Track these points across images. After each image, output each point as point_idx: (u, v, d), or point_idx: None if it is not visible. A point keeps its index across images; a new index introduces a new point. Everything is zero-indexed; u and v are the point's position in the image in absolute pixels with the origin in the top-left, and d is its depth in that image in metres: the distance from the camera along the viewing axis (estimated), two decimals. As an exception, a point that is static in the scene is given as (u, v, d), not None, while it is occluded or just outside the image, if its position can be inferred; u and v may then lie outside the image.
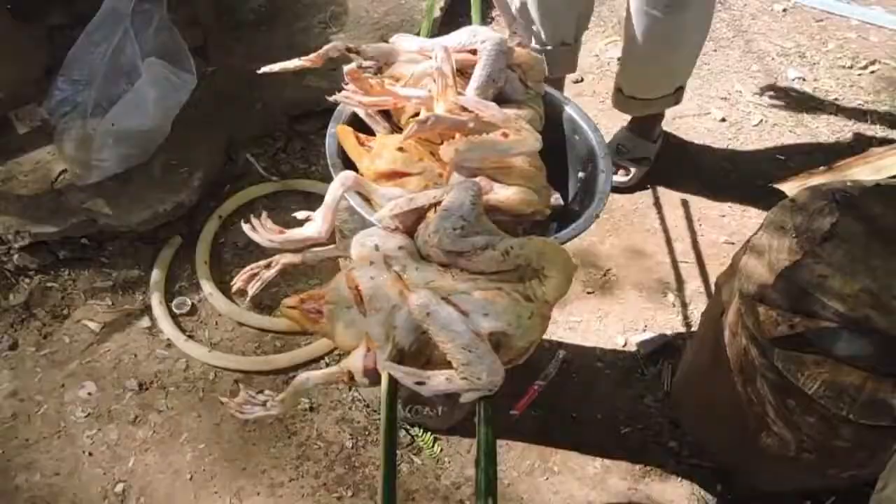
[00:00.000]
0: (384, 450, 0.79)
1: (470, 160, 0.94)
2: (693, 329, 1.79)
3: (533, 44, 1.58)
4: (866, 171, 1.45)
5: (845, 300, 0.97)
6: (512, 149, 0.95)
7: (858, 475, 1.29)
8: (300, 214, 0.98)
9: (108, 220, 1.74)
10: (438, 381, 0.82)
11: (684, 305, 1.86)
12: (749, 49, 2.54)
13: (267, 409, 0.88)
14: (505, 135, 0.95)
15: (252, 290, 0.97)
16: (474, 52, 1.09)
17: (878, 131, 2.26)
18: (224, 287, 1.78)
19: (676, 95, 1.95)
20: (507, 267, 0.85)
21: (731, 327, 1.24)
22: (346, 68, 1.05)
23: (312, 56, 1.10)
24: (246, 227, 0.96)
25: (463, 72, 1.10)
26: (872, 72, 2.46)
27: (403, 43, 1.13)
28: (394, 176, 0.97)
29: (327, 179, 1.98)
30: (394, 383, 0.86)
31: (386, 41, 2.26)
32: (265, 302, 1.77)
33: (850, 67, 2.47)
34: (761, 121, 2.30)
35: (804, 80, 2.43)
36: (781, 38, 2.59)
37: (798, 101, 2.37)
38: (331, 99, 1.07)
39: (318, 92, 2.10)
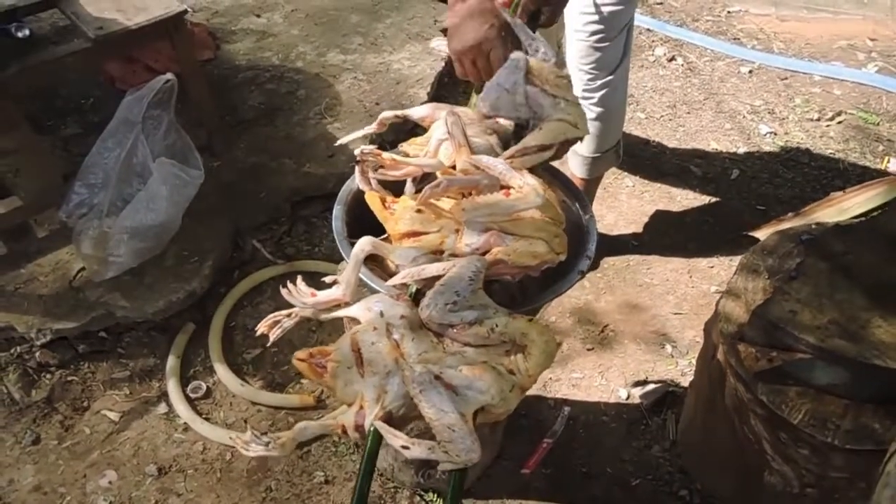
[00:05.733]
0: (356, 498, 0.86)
1: (478, 218, 1.04)
2: (692, 377, 1.84)
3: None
4: (831, 213, 1.55)
5: (815, 332, 1.04)
6: (515, 206, 1.04)
7: (863, 507, 1.32)
8: (328, 279, 1.07)
9: (125, 313, 1.83)
10: (421, 449, 0.89)
11: (682, 355, 1.92)
12: (720, 109, 2.69)
13: (268, 449, 0.94)
14: (508, 193, 1.04)
15: (273, 336, 1.05)
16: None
17: (852, 177, 2.38)
18: (237, 369, 1.84)
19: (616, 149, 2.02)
20: (492, 342, 0.93)
21: (721, 369, 1.30)
22: (356, 152, 1.17)
23: (374, 124, 1.26)
24: (284, 291, 1.05)
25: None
26: (840, 122, 2.60)
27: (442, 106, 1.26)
28: (414, 235, 1.07)
29: (331, 259, 2.10)
30: (377, 441, 0.93)
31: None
32: (277, 381, 1.83)
33: (818, 120, 2.62)
34: (739, 175, 2.42)
35: (775, 134, 2.57)
36: (750, 97, 2.75)
37: (772, 155, 2.50)
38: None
39: (318, 179, 2.24)
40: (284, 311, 1.09)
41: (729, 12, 3.18)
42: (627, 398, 1.82)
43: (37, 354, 1.78)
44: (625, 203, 2.36)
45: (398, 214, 1.11)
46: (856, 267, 1.11)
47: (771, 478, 1.33)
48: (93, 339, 1.84)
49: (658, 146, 2.55)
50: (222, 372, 1.82)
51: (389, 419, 0.92)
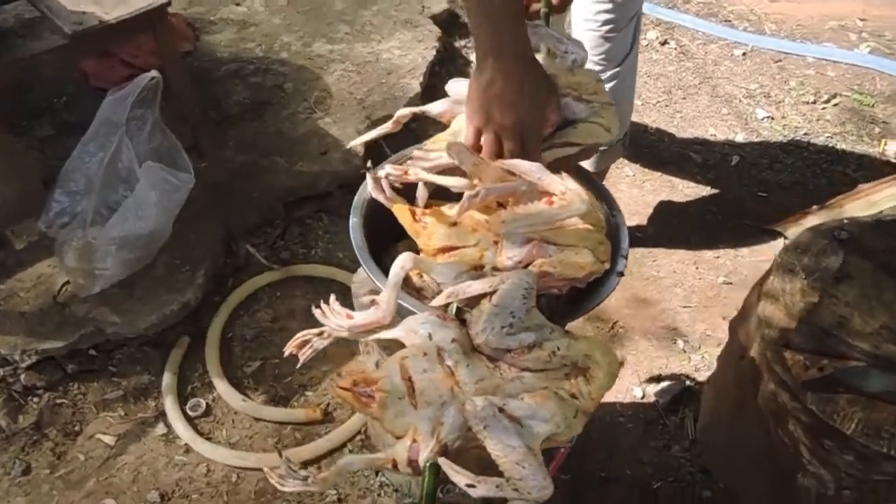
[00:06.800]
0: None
1: (518, 230, 0.97)
2: (707, 372, 1.80)
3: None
4: (859, 206, 1.51)
5: (868, 338, 1.00)
6: (559, 215, 0.97)
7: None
8: (366, 299, 0.99)
9: (115, 329, 1.72)
10: (488, 487, 0.82)
11: (694, 350, 1.89)
12: (716, 94, 2.65)
13: (307, 483, 0.87)
14: (550, 201, 0.97)
15: (304, 357, 0.98)
16: None
17: (851, 161, 2.36)
18: (237, 383, 1.76)
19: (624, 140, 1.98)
20: (553, 366, 0.87)
21: (755, 372, 1.26)
22: (370, 176, 1.09)
23: (389, 124, 1.16)
24: (317, 313, 0.97)
25: None
26: (835, 105, 2.58)
27: (462, 91, 1.15)
28: (450, 249, 1.00)
29: (329, 262, 2.02)
30: (435, 479, 0.86)
31: (372, 120, 2.33)
32: (280, 394, 1.75)
33: (814, 102, 2.59)
34: (739, 161, 2.39)
35: (772, 118, 2.54)
36: (745, 80, 2.71)
37: (770, 140, 2.47)
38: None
39: (311, 177, 2.14)
40: (315, 330, 1.01)
41: (719, -7, 3.13)
42: (643, 397, 1.78)
43: (22, 377, 1.67)
44: (626, 193, 2.31)
45: (431, 228, 1.04)
46: (900, 266, 1.07)
47: (805, 480, 1.30)
48: (82, 357, 1.74)
49: (656, 133, 2.50)
50: (222, 387, 1.73)
51: (445, 452, 0.85)
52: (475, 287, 0.96)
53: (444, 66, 2.71)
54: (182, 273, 1.85)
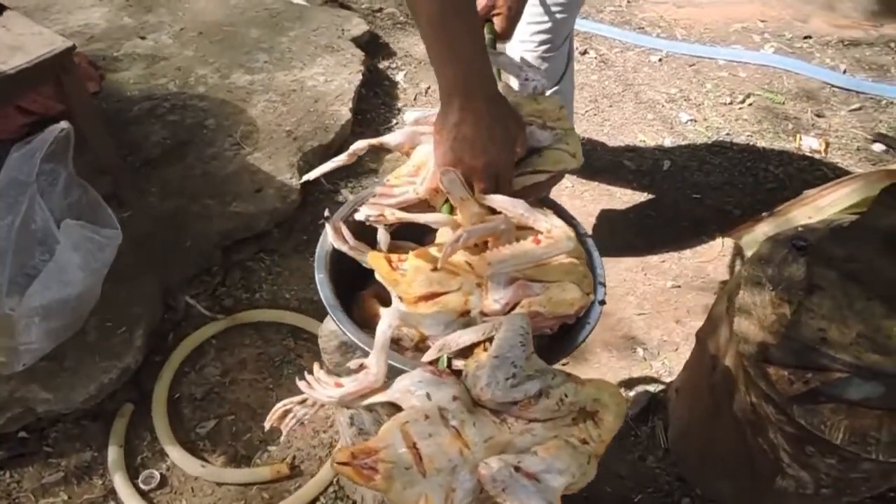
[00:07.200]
0: None
1: (504, 271, 0.93)
2: (669, 378, 1.83)
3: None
4: (806, 211, 1.57)
5: (848, 349, 1.02)
6: (546, 253, 0.94)
7: (871, 495, 1.35)
8: (352, 364, 0.93)
9: (47, 406, 1.56)
10: None
11: (654, 357, 1.91)
12: (640, 100, 2.73)
13: None
14: (537, 241, 0.94)
15: (286, 428, 0.91)
16: None
17: (772, 157, 2.47)
18: (191, 447, 1.63)
19: None
20: (561, 414, 0.84)
21: (730, 383, 1.28)
22: (329, 226, 1.02)
23: (343, 156, 1.10)
24: (302, 384, 0.90)
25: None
26: (750, 104, 2.70)
27: (421, 124, 1.10)
28: (433, 296, 0.95)
29: (276, 305, 1.92)
30: None
31: (304, 152, 2.24)
32: (241, 453, 1.64)
33: (731, 103, 2.71)
34: (670, 165, 2.46)
35: (695, 120, 2.64)
36: (664, 85, 2.80)
37: (696, 142, 2.56)
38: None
39: (247, 217, 2.03)
40: (296, 398, 0.94)
41: (629, 2, 3.23)
42: (611, 411, 1.79)
43: (-57, 473, 1.49)
44: (567, 205, 2.27)
45: (411, 275, 0.98)
46: (863, 272, 1.11)
47: (783, 482, 1.33)
48: (11, 442, 1.57)
49: (588, 143, 2.54)
50: (176, 454, 1.60)
51: None
52: (467, 337, 0.92)
53: (371, 89, 2.66)
54: (117, 336, 1.71)
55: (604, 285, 1.12)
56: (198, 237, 1.97)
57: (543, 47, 1.66)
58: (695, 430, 1.56)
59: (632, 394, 1.81)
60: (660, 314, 2.02)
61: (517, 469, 0.81)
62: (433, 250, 1.03)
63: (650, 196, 2.36)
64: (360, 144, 1.13)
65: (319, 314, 1.77)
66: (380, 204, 1.05)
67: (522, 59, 1.51)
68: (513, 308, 0.98)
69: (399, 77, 2.78)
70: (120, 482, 1.55)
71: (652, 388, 1.82)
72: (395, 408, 0.92)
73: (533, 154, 1.10)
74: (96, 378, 1.62)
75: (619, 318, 2.01)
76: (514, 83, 1.22)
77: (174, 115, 2.31)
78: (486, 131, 0.95)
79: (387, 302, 1.11)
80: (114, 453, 1.59)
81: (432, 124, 1.02)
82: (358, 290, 1.19)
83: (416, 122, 1.09)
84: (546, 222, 0.97)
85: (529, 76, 1.12)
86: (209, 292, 1.93)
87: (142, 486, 1.56)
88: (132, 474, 1.58)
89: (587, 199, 2.35)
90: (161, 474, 1.59)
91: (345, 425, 1.30)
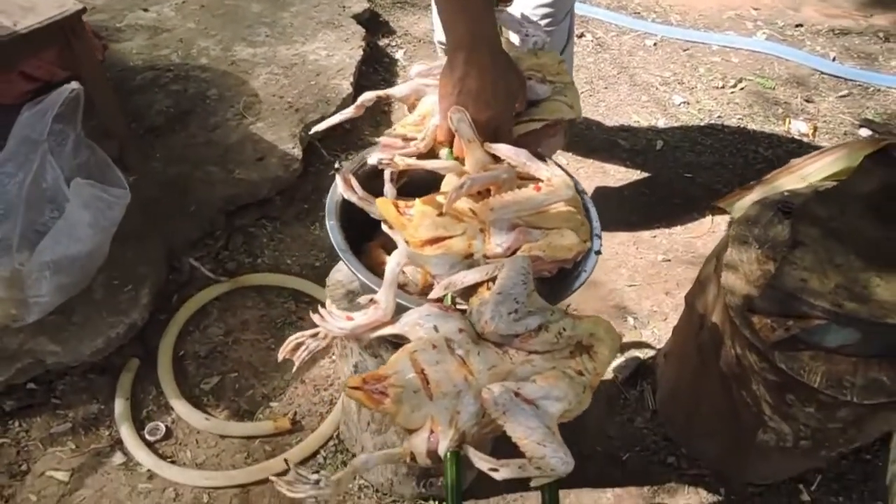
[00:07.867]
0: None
1: (506, 217, 0.98)
2: (659, 346, 1.90)
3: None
4: (792, 180, 1.64)
5: (827, 297, 1.09)
6: (546, 200, 1.00)
7: (845, 451, 1.42)
8: (362, 300, 0.98)
9: (56, 358, 1.61)
10: (511, 469, 0.84)
11: (644, 326, 1.98)
12: (634, 82, 2.78)
13: (319, 487, 0.86)
14: (538, 188, 1.00)
15: (299, 360, 0.96)
16: None
17: (762, 140, 2.54)
18: (196, 401, 1.68)
19: None
20: (559, 347, 0.90)
21: (717, 338, 1.34)
22: (339, 178, 1.07)
23: (351, 108, 1.15)
24: (315, 317, 0.94)
25: None
26: (742, 88, 2.77)
27: (426, 76, 1.15)
28: (438, 240, 1.00)
29: (277, 270, 1.96)
30: (458, 467, 0.87)
31: (306, 123, 2.28)
32: (244, 408, 1.69)
33: (723, 87, 2.77)
34: (663, 145, 2.52)
35: (688, 103, 2.70)
36: (659, 68, 2.86)
37: (689, 123, 2.62)
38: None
39: (250, 185, 2.08)
40: (308, 332, 0.99)
41: (625, -13, 3.28)
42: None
43: (-46, 420, 1.53)
44: None
45: (417, 220, 1.04)
46: (844, 231, 1.18)
47: (765, 436, 1.40)
48: (20, 392, 1.61)
49: (584, 122, 2.59)
50: (181, 407, 1.65)
51: (463, 440, 0.86)
52: (471, 276, 0.97)
53: (371, 66, 2.70)
54: (124, 293, 1.75)
55: (599, 237, 1.17)
56: (201, 202, 2.01)
57: (545, 21, 1.71)
58: (682, 392, 1.62)
59: (622, 360, 1.87)
60: (650, 286, 2.08)
61: (517, 394, 0.87)
62: (439, 197, 1.08)
63: (643, 174, 2.42)
64: (367, 95, 1.17)
65: (320, 279, 1.82)
66: (390, 147, 1.10)
67: (523, 14, 1.55)
68: (514, 252, 1.03)
69: (398, 55, 2.82)
70: (127, 433, 1.59)
71: (641, 354, 1.88)
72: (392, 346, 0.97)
73: (532, 106, 1.15)
74: (103, 332, 1.66)
75: (611, 288, 2.07)
76: (515, 39, 1.27)
77: (177, 86, 2.35)
78: (490, 85, 1.00)
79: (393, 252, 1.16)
80: (120, 405, 1.63)
81: (437, 77, 1.07)
82: (366, 241, 1.24)
83: (421, 74, 1.14)
84: (547, 171, 1.03)
85: (530, 32, 1.17)
86: (212, 255, 1.98)
87: (148, 436, 1.61)
88: (138, 426, 1.62)
89: (582, 176, 2.41)
90: (166, 426, 1.64)
91: (349, 374, 1.35)
